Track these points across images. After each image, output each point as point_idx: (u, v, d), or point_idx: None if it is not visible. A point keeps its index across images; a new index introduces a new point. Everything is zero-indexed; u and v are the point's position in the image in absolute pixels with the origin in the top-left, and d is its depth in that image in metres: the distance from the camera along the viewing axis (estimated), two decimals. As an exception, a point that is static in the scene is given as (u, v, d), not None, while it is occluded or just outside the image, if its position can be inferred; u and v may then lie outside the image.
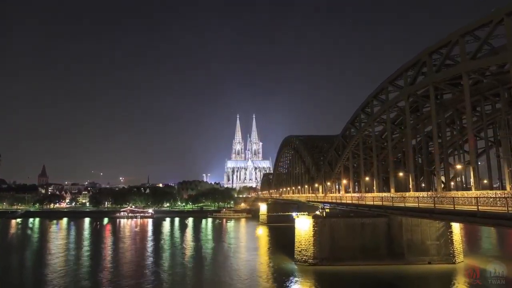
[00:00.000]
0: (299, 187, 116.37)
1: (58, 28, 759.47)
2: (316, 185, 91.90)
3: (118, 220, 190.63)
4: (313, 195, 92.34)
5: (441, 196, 39.52)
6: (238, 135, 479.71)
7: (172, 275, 63.44)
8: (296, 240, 71.04)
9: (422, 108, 56.16)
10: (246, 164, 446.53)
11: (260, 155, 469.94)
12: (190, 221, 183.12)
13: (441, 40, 43.44)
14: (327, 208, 73.51)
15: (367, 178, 65.98)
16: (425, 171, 56.51)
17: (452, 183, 54.59)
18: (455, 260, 65.42)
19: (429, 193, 45.83)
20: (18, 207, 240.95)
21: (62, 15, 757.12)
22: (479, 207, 31.07)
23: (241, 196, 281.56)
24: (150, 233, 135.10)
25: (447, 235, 65.92)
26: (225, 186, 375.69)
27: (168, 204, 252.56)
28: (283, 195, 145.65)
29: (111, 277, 61.48)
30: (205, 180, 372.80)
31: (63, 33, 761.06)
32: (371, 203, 53.73)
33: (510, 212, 27.86)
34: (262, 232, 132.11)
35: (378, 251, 65.57)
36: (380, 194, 54.28)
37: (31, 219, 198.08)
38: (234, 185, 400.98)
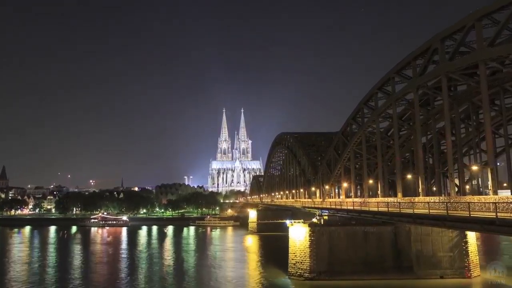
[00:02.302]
0: (293, 191, 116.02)
1: (16, 16, 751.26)
2: (313, 189, 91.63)
3: (88, 228, 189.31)
4: (309, 200, 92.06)
5: (455, 201, 39.24)
6: (224, 133, 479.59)
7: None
8: (290, 251, 70.57)
9: (433, 101, 56.00)
10: (233, 165, 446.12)
11: (249, 155, 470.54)
12: (169, 229, 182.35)
13: (454, 24, 43.08)
14: (325, 215, 73.21)
15: (370, 181, 65.75)
16: (437, 173, 56.33)
17: (467, 187, 54.52)
18: (471, 274, 65.32)
19: (441, 198, 45.66)
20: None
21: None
22: (498, 214, 30.74)
23: (227, 201, 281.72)
24: (124, 243, 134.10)
25: (462, 245, 65.88)
26: (210, 190, 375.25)
27: (144, 211, 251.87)
28: (275, 200, 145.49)
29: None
30: (186, 183, 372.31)
31: (20, 22, 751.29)
32: (375, 209, 53.39)
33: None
34: (251, 242, 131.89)
35: (383, 264, 65.34)
36: (386, 199, 54.06)
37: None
38: (220, 189, 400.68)
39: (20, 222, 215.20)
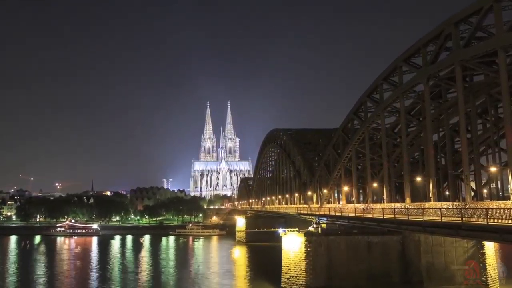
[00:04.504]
0: (287, 195, 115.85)
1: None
2: (310, 193, 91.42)
3: (53, 238, 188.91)
4: (305, 206, 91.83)
5: (471, 207, 39.12)
6: (209, 129, 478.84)
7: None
8: (283, 264, 70.54)
9: (446, 93, 55.74)
10: (218, 166, 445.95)
11: (237, 155, 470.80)
12: (146, 239, 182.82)
13: (470, 6, 42.88)
14: (323, 223, 73.08)
15: (374, 184, 65.44)
16: (450, 175, 56.08)
17: (485, 191, 54.42)
18: (489, 289, 65.63)
19: (455, 203, 45.41)
20: None
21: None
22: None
23: (212, 207, 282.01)
24: (94, 255, 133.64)
25: (479, 257, 66.10)
26: (192, 194, 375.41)
27: (118, 218, 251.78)
28: (266, 206, 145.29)
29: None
30: (165, 187, 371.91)
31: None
32: (380, 216, 53.22)
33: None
34: (239, 253, 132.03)
35: (389, 278, 65.48)
36: (392, 205, 53.82)
37: None
38: (204, 193, 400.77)
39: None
